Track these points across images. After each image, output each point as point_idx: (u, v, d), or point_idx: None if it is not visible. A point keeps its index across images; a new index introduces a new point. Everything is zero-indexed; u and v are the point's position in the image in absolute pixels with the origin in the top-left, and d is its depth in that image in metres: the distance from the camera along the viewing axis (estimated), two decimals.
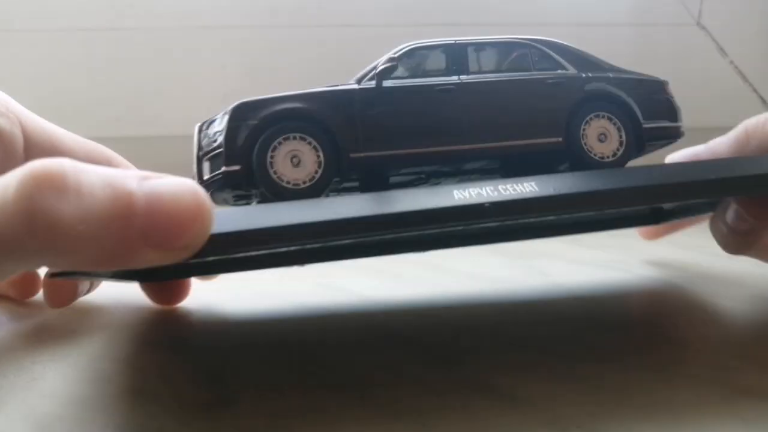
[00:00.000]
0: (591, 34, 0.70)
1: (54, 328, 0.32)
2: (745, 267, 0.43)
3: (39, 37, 0.66)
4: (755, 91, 0.73)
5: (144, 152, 0.72)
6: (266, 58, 0.69)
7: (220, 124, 0.27)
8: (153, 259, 0.20)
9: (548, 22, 0.70)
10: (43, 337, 0.31)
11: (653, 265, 0.42)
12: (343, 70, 0.74)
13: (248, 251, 0.23)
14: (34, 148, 0.29)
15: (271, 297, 0.37)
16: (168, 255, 0.20)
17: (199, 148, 0.28)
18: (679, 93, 0.79)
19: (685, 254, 0.45)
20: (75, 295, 0.34)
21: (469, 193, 0.24)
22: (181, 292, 0.36)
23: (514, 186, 0.24)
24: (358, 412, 0.24)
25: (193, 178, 0.28)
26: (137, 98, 0.68)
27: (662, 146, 0.33)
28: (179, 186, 0.20)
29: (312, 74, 0.69)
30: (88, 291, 0.36)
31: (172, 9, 0.66)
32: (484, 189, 0.24)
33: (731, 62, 0.72)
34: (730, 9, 0.71)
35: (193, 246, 0.20)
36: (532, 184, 0.24)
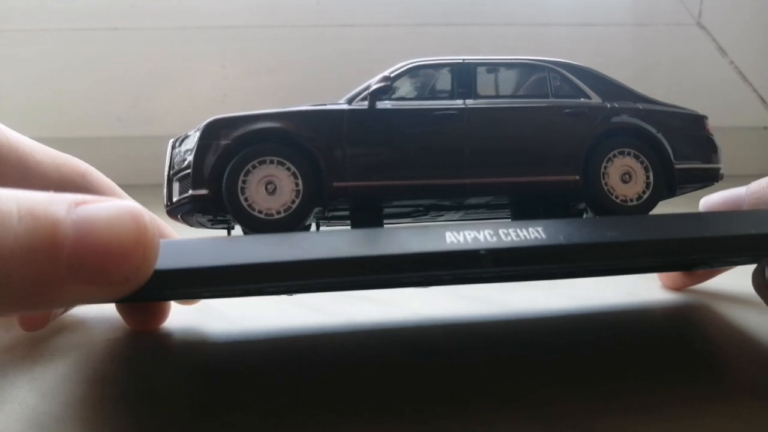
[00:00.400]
0: (591, 34, 0.70)
1: (54, 328, 0.32)
2: (745, 267, 0.42)
3: (39, 37, 0.66)
4: (755, 90, 0.73)
5: (144, 152, 0.72)
6: (266, 58, 0.69)
7: (191, 142, 0.24)
8: (87, 295, 0.17)
9: (548, 22, 0.70)
10: (43, 337, 0.31)
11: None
12: (342, 69, 0.74)
13: (200, 292, 0.21)
14: (1, 159, 0.27)
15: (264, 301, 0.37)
16: (104, 291, 0.17)
17: (171, 166, 0.25)
18: (678, 93, 0.79)
19: None
20: (47, 317, 0.32)
21: (465, 236, 0.20)
22: (160, 314, 0.33)
23: (518, 231, 0.21)
24: (358, 413, 0.24)
25: (163, 199, 0.25)
26: (137, 98, 0.68)
27: (696, 189, 0.29)
28: (117, 210, 0.17)
29: (312, 74, 0.69)
30: (64, 311, 0.33)
31: (172, 9, 0.66)
32: (482, 233, 0.20)
33: (731, 62, 0.72)
34: (730, 9, 0.71)
35: (134, 280, 0.18)
36: (539, 230, 0.21)
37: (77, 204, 0.17)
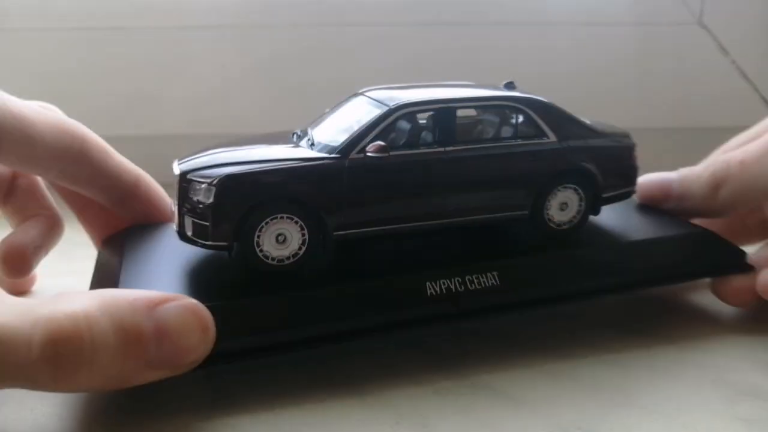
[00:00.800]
0: (591, 33, 0.70)
1: None
2: None
3: (39, 37, 0.66)
4: (756, 90, 0.72)
5: (144, 152, 0.72)
6: (266, 58, 0.69)
7: (205, 194, 0.27)
8: (162, 377, 0.23)
9: (549, 22, 0.69)
10: None
11: None
12: (342, 69, 0.74)
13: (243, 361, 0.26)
14: (6, 136, 0.28)
15: None
16: (175, 372, 0.23)
17: (182, 201, 0.28)
18: (679, 92, 0.79)
19: None
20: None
21: (438, 287, 0.28)
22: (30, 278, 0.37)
23: (476, 278, 0.28)
24: (359, 413, 0.24)
25: (174, 222, 0.29)
26: (137, 98, 0.68)
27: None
28: (184, 311, 0.23)
29: (311, 74, 0.68)
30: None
31: (172, 9, 0.66)
32: (448, 281, 0.28)
33: (732, 61, 0.72)
34: (731, 8, 0.71)
35: (198, 362, 0.23)
36: (493, 274, 0.29)
37: (153, 307, 0.22)
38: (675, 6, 0.70)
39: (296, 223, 0.27)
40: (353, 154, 0.28)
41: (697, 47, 0.71)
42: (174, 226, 0.29)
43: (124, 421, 0.24)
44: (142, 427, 0.23)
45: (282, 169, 0.27)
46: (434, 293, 0.27)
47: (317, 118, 0.33)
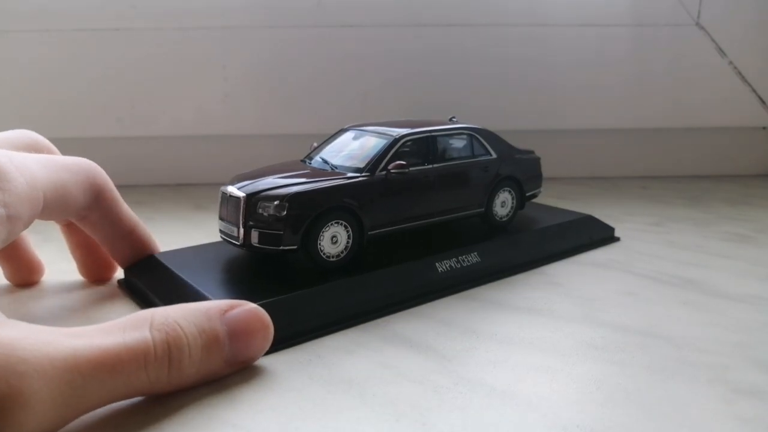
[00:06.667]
0: (590, 34, 0.70)
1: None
2: (742, 265, 0.43)
3: (40, 37, 0.66)
4: (754, 91, 0.73)
5: (144, 152, 0.72)
6: (266, 58, 0.69)
7: (279, 209, 0.33)
8: (235, 370, 0.27)
9: (548, 23, 0.70)
10: None
11: (651, 258, 0.43)
12: (342, 69, 0.74)
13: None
14: (49, 204, 0.31)
15: None
16: (245, 365, 0.27)
17: (247, 217, 0.34)
18: (677, 93, 0.79)
19: (685, 252, 0.46)
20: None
21: (444, 266, 0.37)
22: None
23: (466, 257, 0.39)
24: (359, 412, 0.24)
25: (237, 234, 0.34)
26: (137, 98, 0.68)
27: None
28: (250, 315, 0.27)
29: (311, 74, 0.69)
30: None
31: (172, 9, 0.67)
32: (450, 261, 0.38)
33: (730, 62, 0.72)
34: (729, 9, 0.71)
35: (261, 354, 0.28)
36: (475, 254, 0.39)
37: (224, 312, 0.26)
38: (673, 7, 0.70)
39: (344, 226, 0.35)
40: (378, 172, 0.36)
41: (695, 48, 0.71)
42: (233, 240, 0.35)
43: (125, 420, 0.24)
44: (143, 426, 0.24)
45: (334, 186, 0.34)
46: (443, 270, 0.37)
47: (314, 150, 0.41)
